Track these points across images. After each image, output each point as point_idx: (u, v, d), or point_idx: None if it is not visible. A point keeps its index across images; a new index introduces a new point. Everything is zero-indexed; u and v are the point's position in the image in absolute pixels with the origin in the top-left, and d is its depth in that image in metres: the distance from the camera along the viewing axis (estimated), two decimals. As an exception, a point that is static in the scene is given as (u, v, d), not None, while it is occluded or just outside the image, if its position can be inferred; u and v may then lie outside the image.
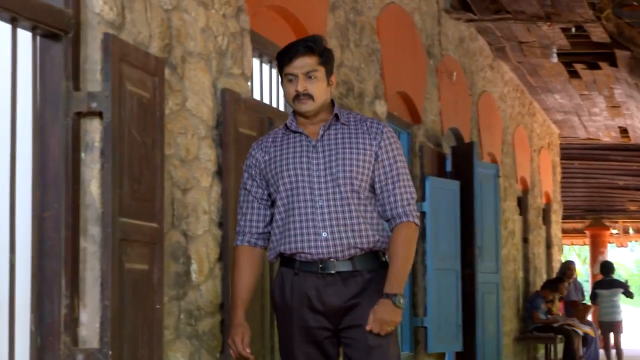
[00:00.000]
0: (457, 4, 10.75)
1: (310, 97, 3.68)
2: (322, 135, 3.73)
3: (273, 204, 3.78)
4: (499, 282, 11.10)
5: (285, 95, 3.77)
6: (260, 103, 5.99)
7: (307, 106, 3.70)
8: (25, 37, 4.04)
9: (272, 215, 3.80)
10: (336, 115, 3.76)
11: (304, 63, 3.67)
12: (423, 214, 9.27)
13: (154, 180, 4.47)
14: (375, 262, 3.71)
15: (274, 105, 6.36)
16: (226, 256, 5.22)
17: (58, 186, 4.10)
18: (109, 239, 4.13)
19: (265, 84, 6.35)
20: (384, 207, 3.73)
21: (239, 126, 5.44)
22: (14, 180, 3.92)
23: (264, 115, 5.78)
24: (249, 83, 5.76)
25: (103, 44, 4.18)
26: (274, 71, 6.57)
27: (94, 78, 4.20)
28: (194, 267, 5.02)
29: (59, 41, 4.13)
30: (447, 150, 10.53)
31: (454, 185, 9.99)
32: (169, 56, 4.81)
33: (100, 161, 4.17)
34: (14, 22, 3.92)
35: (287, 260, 3.74)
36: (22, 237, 3.99)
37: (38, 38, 4.09)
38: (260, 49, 6.12)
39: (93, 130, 4.18)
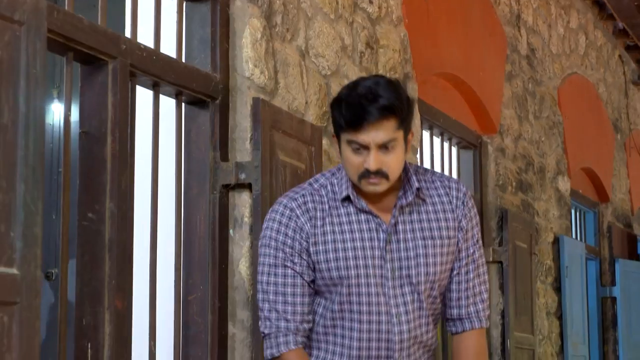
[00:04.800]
0: (645, 75, 10.22)
1: (384, 176, 2.58)
2: (396, 222, 2.68)
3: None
4: (700, 375, 10.36)
5: (345, 164, 2.64)
6: (430, 177, 5.56)
7: (378, 187, 2.60)
8: (168, 103, 3.74)
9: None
10: (417, 189, 2.69)
11: (379, 132, 2.53)
12: (613, 300, 8.94)
13: (310, 260, 4.07)
14: None
15: (446, 179, 5.93)
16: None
17: (204, 266, 3.78)
18: (260, 324, 3.74)
19: (436, 157, 5.92)
20: (451, 302, 2.77)
21: (407, 202, 5.01)
22: (154, 260, 3.59)
23: (434, 190, 5.34)
24: (417, 155, 5.35)
25: (253, 109, 3.85)
26: (446, 144, 6.14)
27: (243, 147, 3.86)
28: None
29: (205, 108, 3.83)
30: (638, 231, 10.16)
31: (647, 268, 9.51)
32: (328, 124, 4.44)
33: (250, 238, 3.82)
34: (156, 88, 3.64)
35: None
36: (164, 323, 3.68)
37: (183, 105, 3.79)
38: (430, 119, 5.71)
39: (242, 204, 3.84)
